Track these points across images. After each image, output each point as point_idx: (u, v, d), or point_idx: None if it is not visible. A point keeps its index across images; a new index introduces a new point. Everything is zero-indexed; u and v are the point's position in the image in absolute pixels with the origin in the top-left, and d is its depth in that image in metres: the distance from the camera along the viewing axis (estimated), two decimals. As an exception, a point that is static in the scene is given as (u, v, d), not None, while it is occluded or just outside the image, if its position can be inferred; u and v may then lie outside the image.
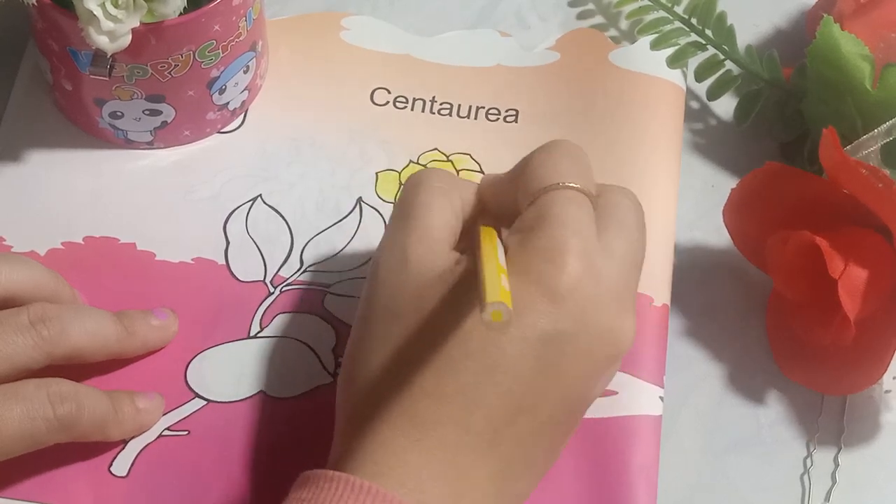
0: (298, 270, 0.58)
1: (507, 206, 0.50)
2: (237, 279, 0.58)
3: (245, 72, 0.61)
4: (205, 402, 0.54)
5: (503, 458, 0.45)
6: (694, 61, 0.65)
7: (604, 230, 0.48)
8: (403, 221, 0.49)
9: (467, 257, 0.48)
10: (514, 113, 0.63)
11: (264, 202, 0.60)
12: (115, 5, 0.53)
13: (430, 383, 0.45)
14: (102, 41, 0.53)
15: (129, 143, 0.61)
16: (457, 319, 0.45)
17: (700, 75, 0.65)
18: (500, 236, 0.49)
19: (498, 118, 0.63)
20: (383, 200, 0.60)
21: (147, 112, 0.59)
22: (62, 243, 0.58)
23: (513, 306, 0.44)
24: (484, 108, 0.64)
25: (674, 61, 0.64)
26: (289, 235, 0.59)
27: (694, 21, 0.65)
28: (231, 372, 0.55)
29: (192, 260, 0.58)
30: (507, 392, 0.45)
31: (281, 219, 0.60)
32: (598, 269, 0.46)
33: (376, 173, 0.61)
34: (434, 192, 0.50)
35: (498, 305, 0.41)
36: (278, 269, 0.58)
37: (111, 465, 0.52)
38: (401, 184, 0.61)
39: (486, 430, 0.45)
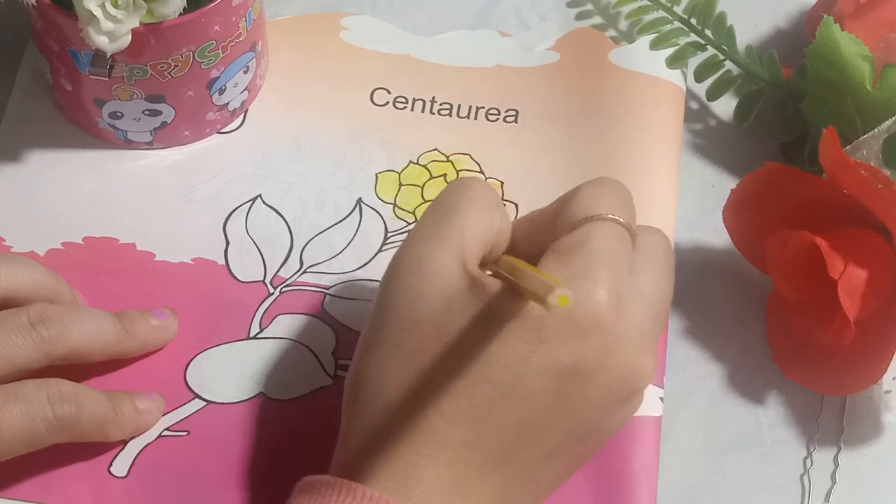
0: (298, 271, 0.58)
1: (542, 238, 0.48)
2: (237, 279, 0.58)
3: (245, 72, 0.61)
4: (204, 403, 0.54)
5: (509, 478, 0.45)
6: (694, 61, 0.65)
7: (638, 270, 0.47)
8: (439, 223, 0.47)
9: (496, 279, 0.46)
10: (513, 113, 0.63)
11: (264, 202, 0.60)
12: (115, 6, 0.53)
13: (446, 403, 0.44)
14: (102, 41, 0.53)
15: (128, 144, 0.61)
16: (480, 340, 0.44)
17: (700, 75, 0.65)
18: None
19: (498, 118, 0.63)
20: (383, 202, 0.60)
21: (147, 112, 0.59)
22: (62, 243, 0.58)
23: (538, 334, 0.44)
24: (484, 108, 0.64)
25: (673, 61, 0.64)
26: (288, 236, 0.59)
27: (693, 21, 0.65)
28: (231, 373, 0.55)
29: (192, 260, 0.58)
30: (519, 418, 0.44)
31: (281, 219, 0.60)
32: (626, 306, 0.46)
33: (376, 174, 0.61)
34: (479, 201, 0.48)
35: (564, 290, 0.40)
36: (278, 270, 0.58)
37: (111, 465, 0.52)
38: (400, 185, 0.61)
39: (495, 452, 0.44)
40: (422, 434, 0.44)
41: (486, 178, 0.61)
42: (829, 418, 0.56)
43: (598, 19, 0.67)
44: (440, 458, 0.44)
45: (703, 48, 0.65)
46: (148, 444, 0.53)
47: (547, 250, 0.47)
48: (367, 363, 0.46)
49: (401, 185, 0.61)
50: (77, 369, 0.52)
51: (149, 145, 0.61)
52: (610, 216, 0.47)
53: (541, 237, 0.49)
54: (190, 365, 0.55)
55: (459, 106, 0.64)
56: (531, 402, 0.44)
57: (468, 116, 0.63)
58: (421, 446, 0.44)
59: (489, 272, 0.47)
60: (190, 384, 0.55)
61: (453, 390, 0.44)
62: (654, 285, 0.48)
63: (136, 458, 0.53)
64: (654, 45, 0.65)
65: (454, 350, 0.45)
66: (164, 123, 0.60)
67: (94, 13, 0.52)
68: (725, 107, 0.65)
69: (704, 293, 0.59)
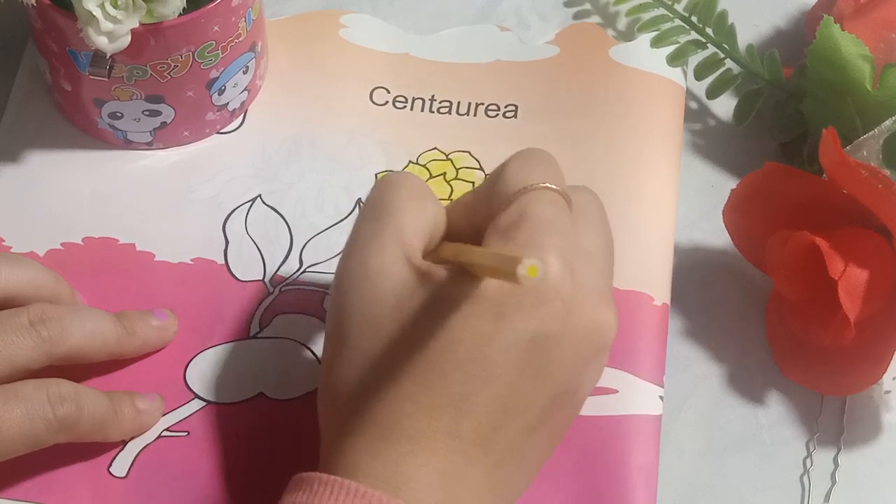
0: (298, 270, 0.58)
1: (478, 219, 0.49)
2: (236, 279, 0.58)
3: (244, 72, 0.61)
4: (204, 404, 0.54)
5: (495, 459, 0.45)
6: (694, 60, 0.65)
7: (580, 231, 0.48)
8: (375, 223, 0.48)
9: (443, 266, 0.46)
10: (513, 108, 0.63)
11: (264, 202, 0.60)
12: (115, 6, 0.53)
13: (421, 397, 0.44)
14: (101, 42, 0.53)
15: (128, 144, 0.61)
16: (441, 330, 0.45)
17: (700, 74, 0.65)
18: None
19: (497, 114, 0.63)
20: (382, 202, 0.60)
21: (146, 112, 0.59)
22: (61, 244, 0.58)
23: (496, 311, 0.44)
24: (483, 104, 0.63)
25: (674, 59, 0.64)
26: (288, 235, 0.59)
27: (694, 19, 0.65)
28: (230, 373, 0.55)
29: (192, 260, 0.58)
30: (495, 397, 0.45)
31: (280, 219, 0.60)
32: (578, 268, 0.46)
33: (375, 174, 0.61)
34: (409, 194, 0.49)
35: (532, 260, 0.39)
36: (277, 269, 0.58)
37: (110, 465, 0.52)
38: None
39: (477, 436, 0.45)
40: (402, 431, 0.44)
41: (486, 175, 0.61)
42: (829, 418, 0.56)
43: (596, 18, 0.67)
44: (425, 452, 0.44)
45: (703, 46, 0.65)
46: (148, 445, 0.53)
47: (488, 228, 0.47)
48: (337, 373, 0.46)
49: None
50: (77, 369, 0.52)
51: (148, 145, 0.61)
52: (543, 185, 0.47)
53: (476, 219, 0.49)
54: (190, 365, 0.55)
55: (459, 103, 0.63)
56: (504, 379, 0.45)
57: (468, 113, 0.63)
58: (404, 443, 0.44)
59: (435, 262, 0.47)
60: (190, 384, 0.55)
61: (426, 383, 0.44)
62: (597, 242, 0.49)
63: (135, 458, 0.53)
64: (655, 43, 0.65)
65: (418, 345, 0.45)
66: (163, 124, 0.60)
67: (94, 13, 0.52)
68: (725, 106, 0.65)
69: (704, 293, 0.59)
